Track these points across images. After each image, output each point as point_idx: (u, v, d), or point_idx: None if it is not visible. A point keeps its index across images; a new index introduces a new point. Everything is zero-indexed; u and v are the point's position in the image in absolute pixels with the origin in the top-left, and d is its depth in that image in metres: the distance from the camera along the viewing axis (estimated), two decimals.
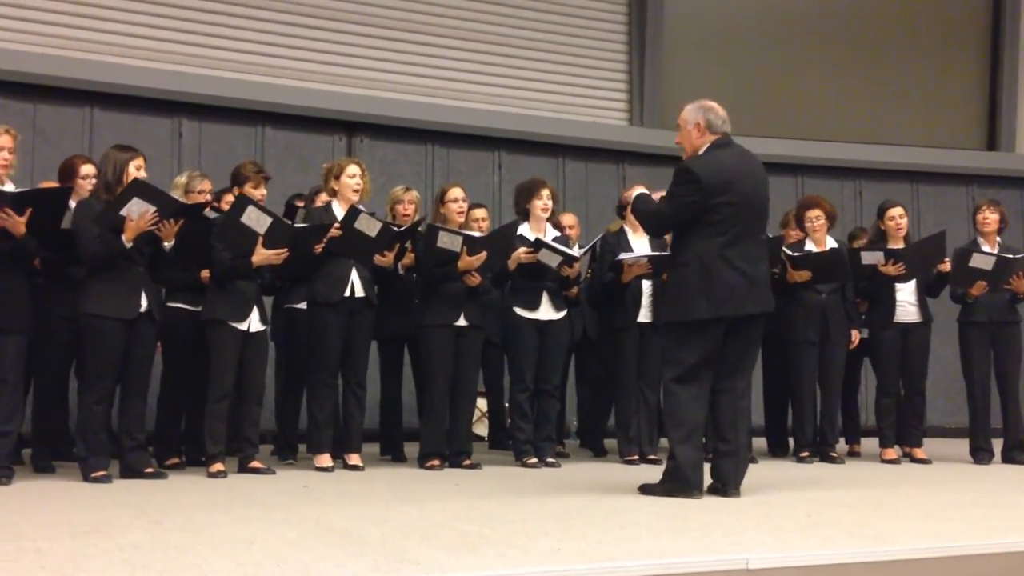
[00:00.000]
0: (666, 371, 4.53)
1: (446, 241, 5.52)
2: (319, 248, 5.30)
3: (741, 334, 4.44)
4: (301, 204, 6.35)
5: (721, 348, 4.42)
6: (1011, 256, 6.38)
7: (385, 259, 5.58)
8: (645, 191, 4.75)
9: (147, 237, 4.77)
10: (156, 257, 4.96)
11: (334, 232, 5.31)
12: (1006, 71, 10.62)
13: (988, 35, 10.84)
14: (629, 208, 4.98)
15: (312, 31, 8.53)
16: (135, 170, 4.79)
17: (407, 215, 6.00)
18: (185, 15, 8.10)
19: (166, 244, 4.93)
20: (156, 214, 4.70)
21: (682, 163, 4.52)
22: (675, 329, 4.51)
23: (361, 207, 5.46)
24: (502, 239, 5.69)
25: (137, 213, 4.66)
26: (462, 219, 5.80)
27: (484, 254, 5.54)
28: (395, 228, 5.60)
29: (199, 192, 5.52)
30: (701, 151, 4.51)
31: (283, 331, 6.00)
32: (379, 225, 5.44)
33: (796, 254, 6.33)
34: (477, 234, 5.68)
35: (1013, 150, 10.55)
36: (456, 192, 5.78)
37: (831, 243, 6.47)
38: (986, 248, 6.49)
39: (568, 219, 6.79)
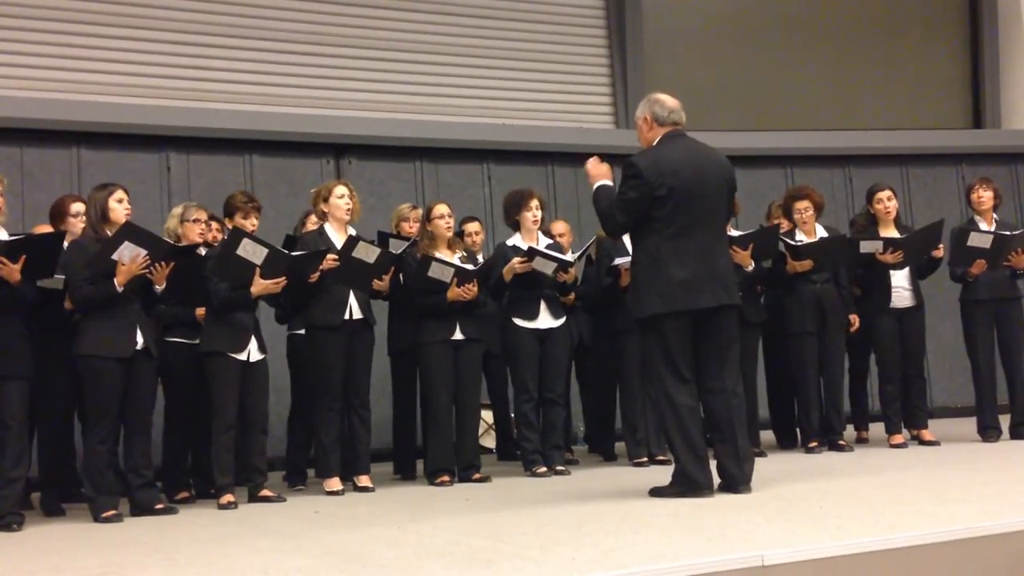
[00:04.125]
0: (646, 373, 4.52)
1: (437, 271, 5.55)
2: (314, 277, 5.30)
3: (713, 329, 4.41)
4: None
5: (698, 345, 4.41)
6: (1009, 233, 6.38)
7: (382, 283, 5.59)
8: (608, 182, 4.62)
9: (139, 280, 4.77)
10: (147, 298, 4.95)
11: (331, 263, 5.32)
12: (986, 48, 10.64)
13: (966, 12, 10.87)
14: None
15: (293, 56, 8.55)
16: (117, 203, 4.80)
17: (413, 232, 6.09)
18: (165, 49, 8.13)
19: (157, 288, 4.92)
20: (147, 257, 4.71)
21: (627, 159, 4.51)
22: (641, 329, 4.54)
23: (357, 235, 5.47)
24: (492, 270, 5.75)
25: (128, 257, 4.67)
26: (450, 234, 5.85)
27: (475, 287, 5.60)
28: (393, 253, 5.63)
29: (195, 220, 5.53)
30: (654, 143, 4.52)
31: (288, 357, 5.99)
32: (377, 251, 5.47)
33: (796, 243, 6.32)
34: (469, 267, 5.71)
35: (999, 126, 10.57)
36: (441, 208, 5.82)
37: (821, 232, 6.47)
38: (983, 226, 6.49)
39: (560, 227, 6.80)
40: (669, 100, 4.55)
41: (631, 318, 5.96)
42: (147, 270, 4.74)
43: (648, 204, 4.37)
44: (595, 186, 4.63)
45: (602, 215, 4.58)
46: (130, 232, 4.70)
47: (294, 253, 5.41)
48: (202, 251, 5.31)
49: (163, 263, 4.80)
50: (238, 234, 5.15)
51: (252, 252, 5.11)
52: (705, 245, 4.38)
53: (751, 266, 6.09)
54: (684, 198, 4.35)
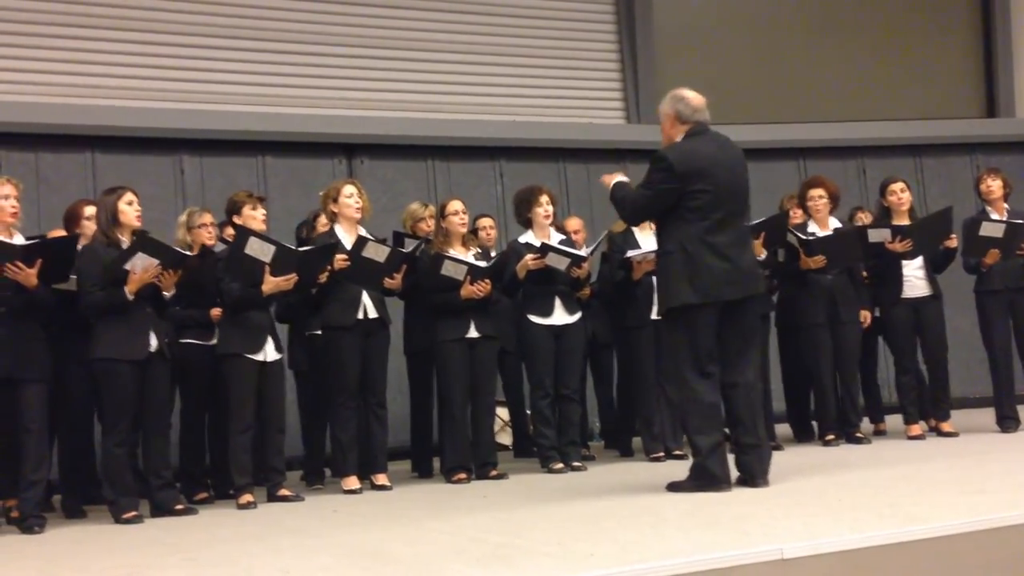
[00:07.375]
0: (670, 363, 4.55)
1: (450, 269, 5.56)
2: (323, 277, 5.32)
3: (737, 321, 4.48)
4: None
5: (721, 337, 4.44)
6: (1021, 222, 6.35)
7: (394, 282, 5.60)
8: (624, 179, 4.73)
9: (149, 285, 4.79)
10: (158, 302, 4.96)
11: (341, 263, 5.33)
12: (999, 36, 10.56)
13: (978, 1, 10.79)
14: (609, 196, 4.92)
15: (303, 57, 8.56)
16: (127, 206, 4.83)
17: (430, 231, 6.07)
18: (176, 52, 8.14)
19: (166, 293, 4.95)
20: (160, 267, 4.74)
21: (656, 151, 4.56)
22: (669, 319, 4.56)
23: (368, 235, 5.47)
24: (505, 267, 5.76)
25: (141, 266, 4.71)
26: (464, 230, 5.85)
27: (488, 284, 5.59)
28: (403, 251, 5.64)
29: (200, 226, 5.57)
30: (677, 140, 4.55)
31: (305, 358, 6.01)
32: (387, 250, 5.47)
33: (808, 239, 6.29)
34: (483, 264, 5.71)
35: (1013, 115, 10.49)
36: (455, 205, 5.83)
37: (834, 223, 6.44)
38: (995, 216, 6.46)
39: (574, 223, 6.80)
40: (695, 99, 4.58)
41: (644, 313, 6.04)
42: (157, 278, 4.77)
43: (675, 198, 4.41)
44: (611, 185, 4.72)
45: (627, 201, 4.65)
46: (144, 243, 4.75)
47: (302, 248, 5.43)
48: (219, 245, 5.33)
49: (172, 270, 4.83)
50: (245, 233, 5.17)
51: (260, 250, 5.13)
52: (736, 238, 4.46)
53: (763, 255, 6.07)
54: (720, 192, 4.41)
